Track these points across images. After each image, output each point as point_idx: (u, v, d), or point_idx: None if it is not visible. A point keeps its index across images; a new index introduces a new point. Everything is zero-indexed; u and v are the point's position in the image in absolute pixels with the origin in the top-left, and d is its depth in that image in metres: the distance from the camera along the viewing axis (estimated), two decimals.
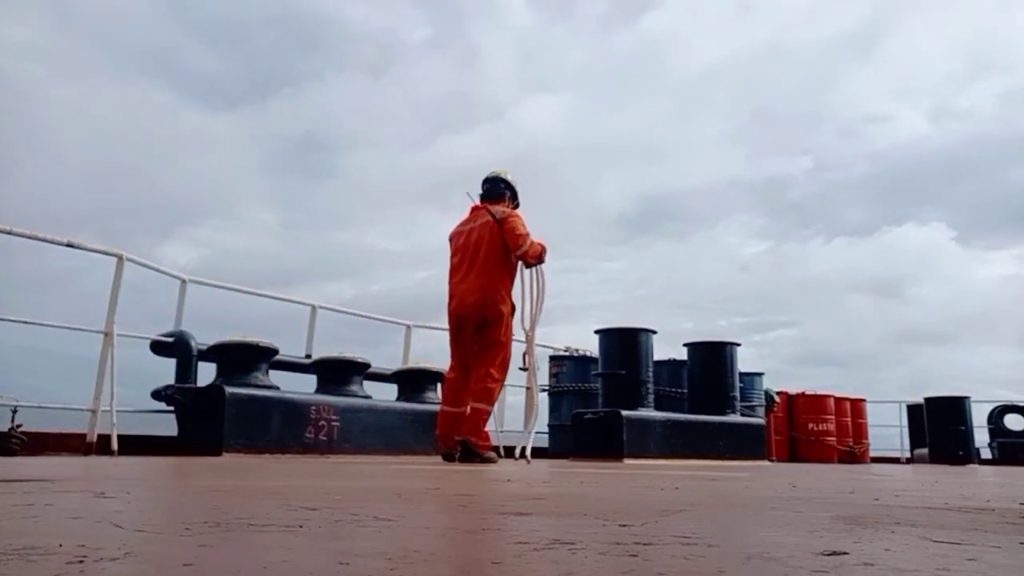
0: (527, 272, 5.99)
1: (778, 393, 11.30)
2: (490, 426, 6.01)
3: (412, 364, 7.94)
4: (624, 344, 7.79)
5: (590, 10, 55.27)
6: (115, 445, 5.50)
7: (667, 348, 9.36)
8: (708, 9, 55.43)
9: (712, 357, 8.71)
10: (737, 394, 8.70)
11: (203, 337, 6.30)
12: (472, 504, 2.08)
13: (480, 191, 6.15)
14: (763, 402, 10.54)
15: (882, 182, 55.02)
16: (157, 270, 6.39)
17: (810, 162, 56.29)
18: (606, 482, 3.41)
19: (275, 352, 6.50)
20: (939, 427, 12.08)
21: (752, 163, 56.75)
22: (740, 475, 4.65)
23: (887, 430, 13.55)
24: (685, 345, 8.99)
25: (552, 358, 9.52)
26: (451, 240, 6.10)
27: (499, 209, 5.91)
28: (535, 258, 5.88)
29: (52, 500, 1.86)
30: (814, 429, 11.77)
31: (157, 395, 5.93)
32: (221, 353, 6.26)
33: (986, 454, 12.60)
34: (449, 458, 5.66)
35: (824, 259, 58.75)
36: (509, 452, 6.34)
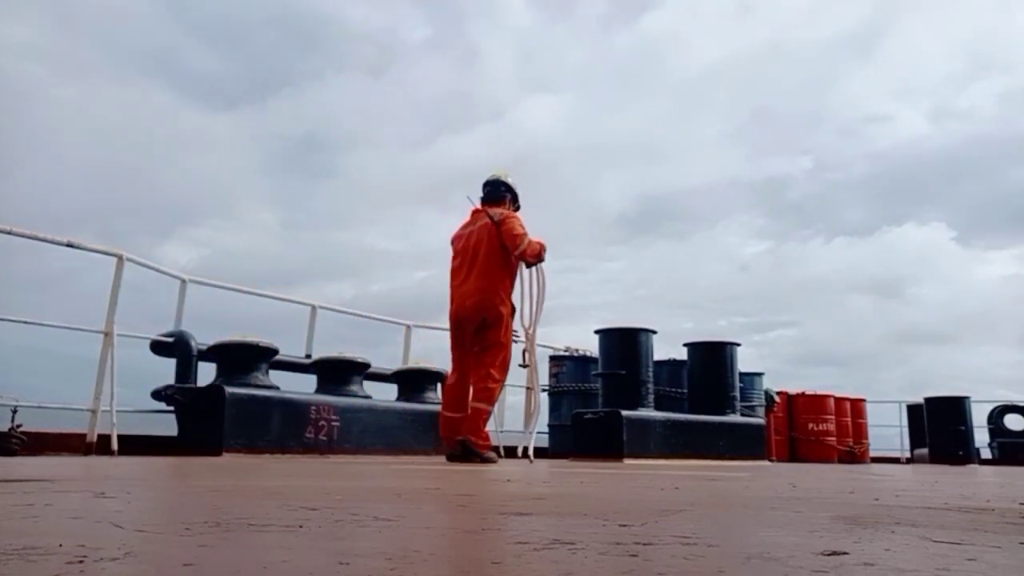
0: (527, 272, 6.02)
1: (778, 393, 11.30)
2: (490, 426, 6.03)
3: (412, 364, 7.94)
4: (624, 344, 7.79)
5: (590, 10, 55.25)
6: (115, 445, 5.50)
7: (667, 348, 9.38)
8: (708, 9, 55.41)
9: (712, 357, 8.71)
10: (737, 394, 8.70)
11: (203, 337, 6.31)
12: (472, 504, 2.08)
13: (481, 194, 6.18)
14: (763, 402, 10.55)
15: (882, 182, 55.02)
16: (157, 270, 6.39)
17: (810, 162, 56.27)
18: (606, 482, 3.41)
19: (275, 352, 6.50)
20: (939, 427, 12.08)
21: (752, 163, 56.74)
22: (740, 475, 4.65)
23: (887, 430, 13.58)
24: (685, 345, 9.00)
25: (552, 358, 9.52)
26: (452, 243, 6.14)
27: (497, 211, 5.95)
28: (534, 257, 5.91)
29: (52, 500, 1.86)
30: (814, 429, 11.77)
31: (157, 395, 5.93)
32: (221, 353, 6.26)
33: (986, 454, 12.60)
34: (453, 458, 5.69)
35: (824, 259, 58.74)
36: (509, 452, 6.34)
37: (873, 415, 12.97)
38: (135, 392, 6.22)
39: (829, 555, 1.12)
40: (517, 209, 6.15)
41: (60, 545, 1.07)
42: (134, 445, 5.73)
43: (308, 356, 7.41)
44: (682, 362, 9.12)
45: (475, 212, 6.12)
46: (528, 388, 6.39)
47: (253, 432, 5.88)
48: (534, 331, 6.02)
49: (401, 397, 7.55)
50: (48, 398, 5.47)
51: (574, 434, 7.53)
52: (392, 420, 7.03)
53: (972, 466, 10.74)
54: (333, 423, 6.45)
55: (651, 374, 7.80)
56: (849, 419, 12.29)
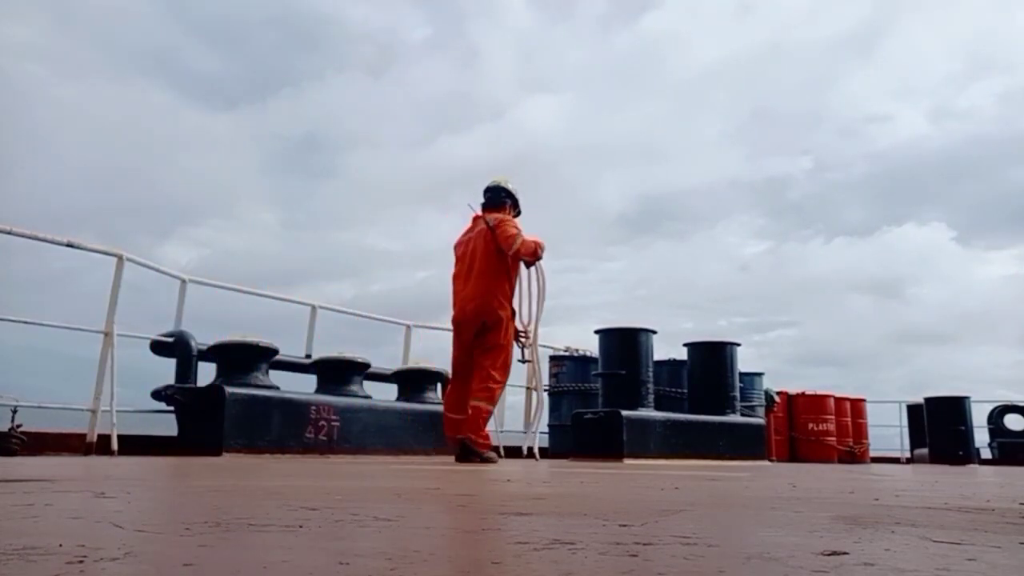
0: (527, 271, 6.06)
1: (778, 393, 11.30)
2: (490, 426, 6.04)
3: (412, 364, 7.94)
4: (624, 344, 7.79)
5: (590, 10, 55.28)
6: (115, 445, 5.50)
7: (667, 348, 9.38)
8: (708, 9, 55.43)
9: (712, 357, 8.71)
10: (737, 394, 8.70)
11: (203, 337, 6.32)
12: (472, 504, 2.08)
13: (482, 200, 6.22)
14: (763, 402, 10.55)
15: (882, 182, 55.02)
16: (157, 270, 6.39)
17: (810, 162, 56.28)
18: (606, 482, 3.41)
19: (275, 352, 6.50)
20: (939, 427, 12.08)
21: (752, 163, 56.75)
22: (740, 475, 4.65)
23: (887, 430, 13.57)
24: (685, 345, 9.00)
25: (552, 358, 9.52)
26: (454, 250, 6.22)
27: (493, 216, 6.00)
28: (530, 255, 5.95)
29: (52, 500, 1.86)
30: (814, 429, 11.77)
31: (157, 395, 5.93)
32: (221, 353, 6.26)
33: (986, 454, 12.60)
34: (461, 459, 5.72)
35: (824, 259, 58.74)
36: (510, 452, 6.35)
37: (873, 415, 12.99)
38: (135, 392, 6.23)
39: (829, 555, 1.12)
40: (518, 215, 6.21)
41: (60, 545, 1.07)
42: (134, 445, 5.73)
43: (308, 356, 7.41)
44: (682, 362, 9.12)
45: (475, 219, 6.19)
46: (530, 388, 6.40)
47: (253, 432, 5.88)
48: (535, 330, 6.06)
49: (401, 397, 7.55)
50: (48, 398, 5.48)
51: (574, 434, 7.52)
52: (392, 420, 7.03)
53: (972, 466, 10.73)
54: (333, 423, 6.45)
55: (651, 374, 7.80)
56: (849, 419, 12.29)
